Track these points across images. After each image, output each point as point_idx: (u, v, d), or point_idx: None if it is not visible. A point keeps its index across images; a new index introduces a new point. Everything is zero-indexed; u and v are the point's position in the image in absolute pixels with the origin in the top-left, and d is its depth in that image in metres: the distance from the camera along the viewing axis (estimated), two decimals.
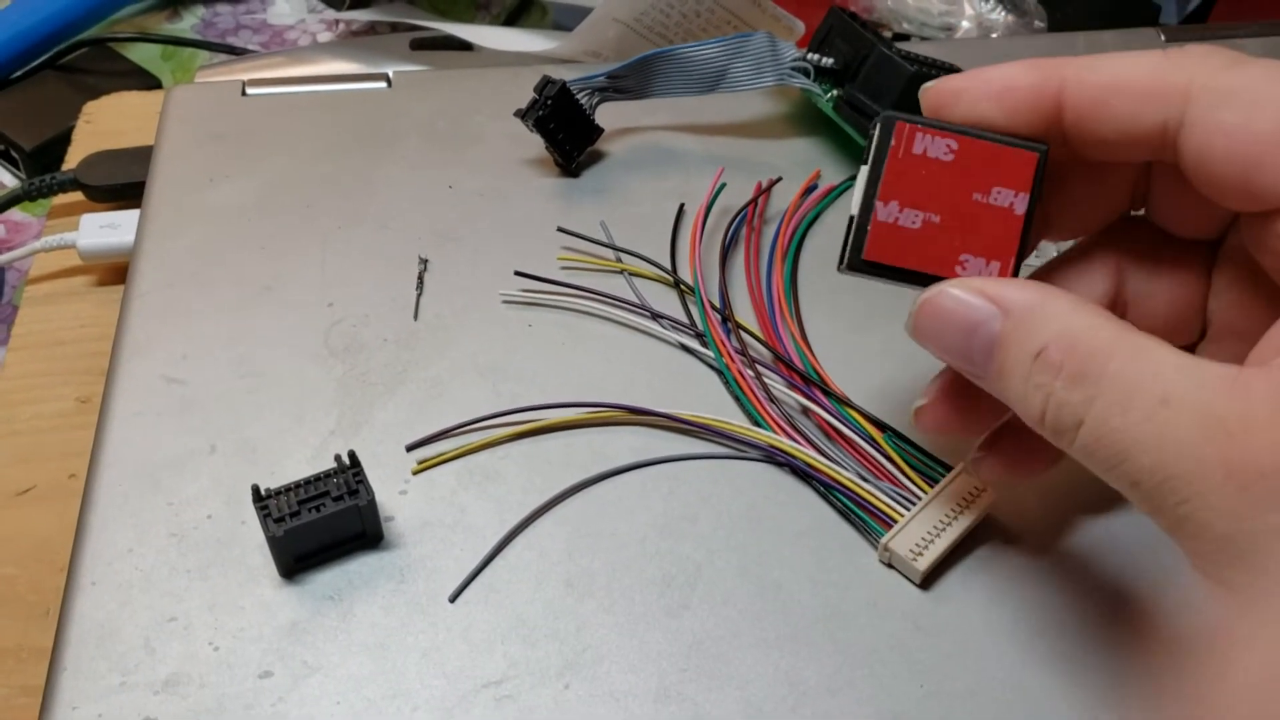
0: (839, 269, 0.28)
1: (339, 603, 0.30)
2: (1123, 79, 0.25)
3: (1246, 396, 0.22)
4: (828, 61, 0.40)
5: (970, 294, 0.25)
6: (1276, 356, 0.22)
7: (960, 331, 0.25)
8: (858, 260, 0.27)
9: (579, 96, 0.39)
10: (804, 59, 0.40)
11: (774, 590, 0.30)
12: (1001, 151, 0.26)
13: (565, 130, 0.39)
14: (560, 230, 0.38)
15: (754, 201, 0.39)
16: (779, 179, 0.40)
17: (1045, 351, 0.23)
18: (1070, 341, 0.23)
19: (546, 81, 0.39)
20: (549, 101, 0.39)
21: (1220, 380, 0.22)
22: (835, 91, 0.40)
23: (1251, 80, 0.24)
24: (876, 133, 0.27)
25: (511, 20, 0.60)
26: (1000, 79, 0.26)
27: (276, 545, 0.30)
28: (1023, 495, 0.32)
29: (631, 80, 0.40)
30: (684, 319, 0.36)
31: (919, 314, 0.26)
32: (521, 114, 0.39)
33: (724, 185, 0.39)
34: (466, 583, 0.30)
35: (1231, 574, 0.21)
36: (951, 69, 0.39)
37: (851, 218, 0.28)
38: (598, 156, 0.41)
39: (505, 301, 0.37)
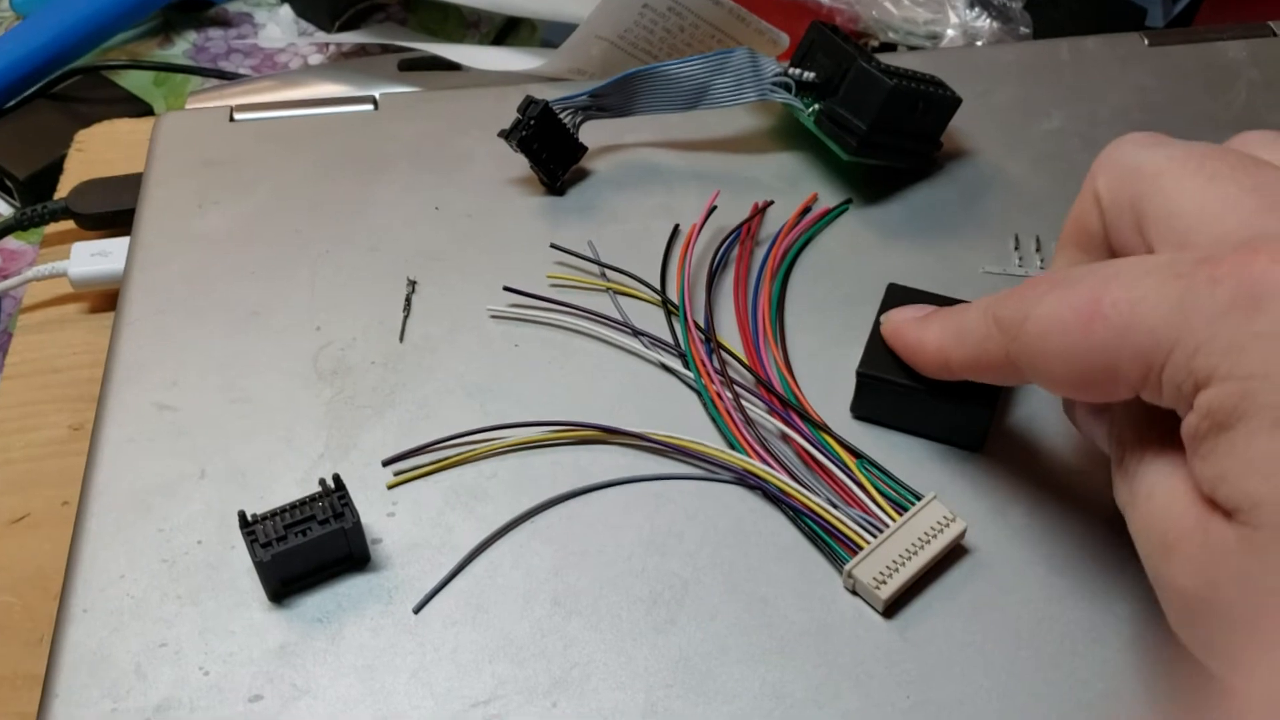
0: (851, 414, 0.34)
1: (328, 625, 0.30)
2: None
3: None
4: (809, 76, 0.40)
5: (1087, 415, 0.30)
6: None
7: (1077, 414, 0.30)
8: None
9: (562, 116, 0.40)
10: (785, 74, 0.40)
11: (760, 605, 0.30)
12: None
13: (549, 150, 0.40)
14: (553, 247, 0.38)
15: (747, 223, 0.39)
16: (772, 202, 0.40)
17: (1124, 460, 0.27)
18: (1135, 453, 0.27)
19: (529, 102, 0.39)
20: (532, 122, 0.39)
21: None
22: (817, 106, 0.40)
23: None
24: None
25: (502, 38, 0.60)
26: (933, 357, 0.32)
27: (264, 570, 0.30)
28: (993, 525, 0.32)
29: (614, 98, 0.40)
30: (669, 338, 0.36)
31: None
32: (505, 134, 0.40)
33: (715, 208, 0.39)
34: (433, 594, 0.31)
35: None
36: (932, 80, 0.39)
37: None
38: (583, 175, 0.42)
39: (493, 318, 0.37)
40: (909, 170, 0.41)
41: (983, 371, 0.30)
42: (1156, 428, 0.26)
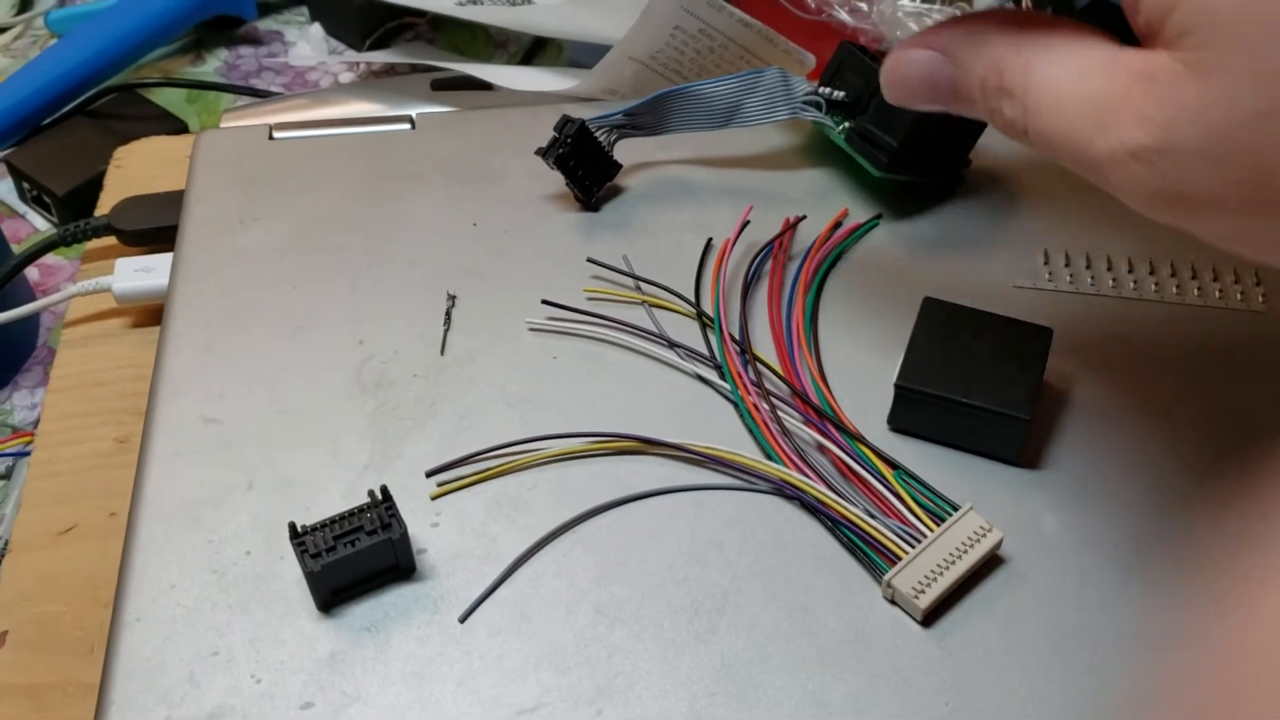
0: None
1: (376, 634, 0.31)
2: None
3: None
4: (839, 95, 0.41)
5: (919, 50, 0.29)
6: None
7: (926, 86, 0.29)
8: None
9: (597, 134, 0.40)
10: (815, 93, 0.41)
11: (800, 614, 0.31)
12: None
13: (585, 167, 0.41)
14: (590, 261, 0.39)
15: (779, 237, 0.40)
16: (804, 216, 0.41)
17: (984, 81, 0.27)
18: (998, 67, 0.27)
19: (566, 120, 0.40)
20: (569, 140, 0.40)
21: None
22: (847, 124, 0.41)
23: None
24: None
25: (529, 58, 0.61)
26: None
27: (314, 580, 0.31)
28: (1028, 536, 0.33)
29: (648, 117, 0.41)
30: (704, 351, 0.37)
31: (888, 84, 0.30)
32: (542, 152, 0.40)
33: (749, 223, 0.40)
34: (478, 603, 0.31)
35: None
36: None
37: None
38: (617, 191, 0.42)
39: (532, 330, 0.38)
40: (939, 186, 0.42)
41: None
42: (1032, 30, 0.27)
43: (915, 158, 0.40)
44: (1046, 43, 0.26)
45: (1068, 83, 0.26)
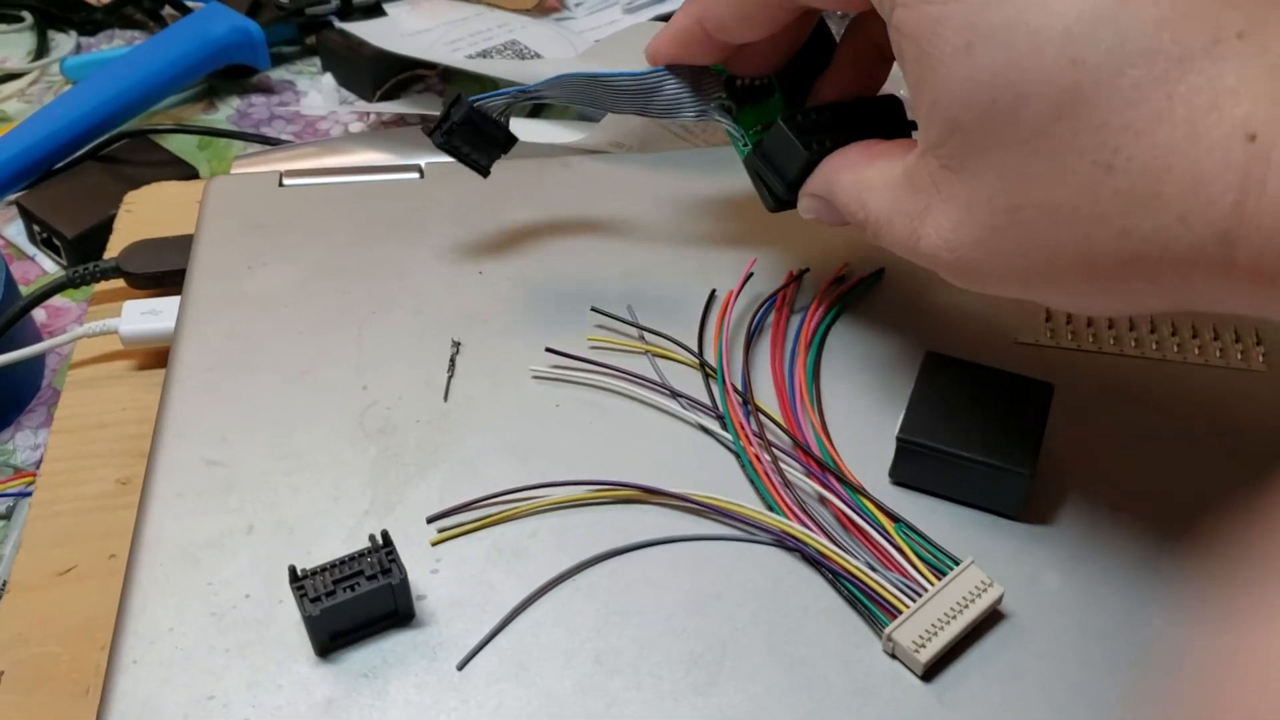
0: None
1: (373, 680, 0.31)
2: None
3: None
4: (748, 80, 0.39)
5: (807, 198, 0.37)
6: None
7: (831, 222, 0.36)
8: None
9: (489, 112, 0.39)
10: (726, 99, 0.38)
11: (800, 667, 0.31)
12: None
13: (473, 144, 0.40)
14: (594, 310, 0.39)
15: (782, 289, 0.40)
16: (807, 269, 0.41)
17: (853, 216, 0.34)
18: (853, 207, 0.34)
19: (455, 100, 0.39)
20: (455, 122, 0.39)
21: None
22: (750, 139, 0.39)
23: None
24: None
25: (538, 110, 0.62)
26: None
27: (313, 624, 0.30)
28: (1030, 591, 0.32)
29: (554, 92, 0.39)
30: (707, 401, 0.37)
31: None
32: (429, 130, 0.40)
33: (752, 274, 0.40)
34: (476, 651, 0.31)
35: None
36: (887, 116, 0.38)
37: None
38: (621, 240, 0.43)
39: (535, 378, 0.38)
40: None
41: None
42: (863, 161, 0.34)
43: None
44: (867, 171, 0.33)
45: (888, 204, 0.32)
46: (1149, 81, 0.25)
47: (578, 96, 0.39)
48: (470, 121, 0.39)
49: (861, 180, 0.33)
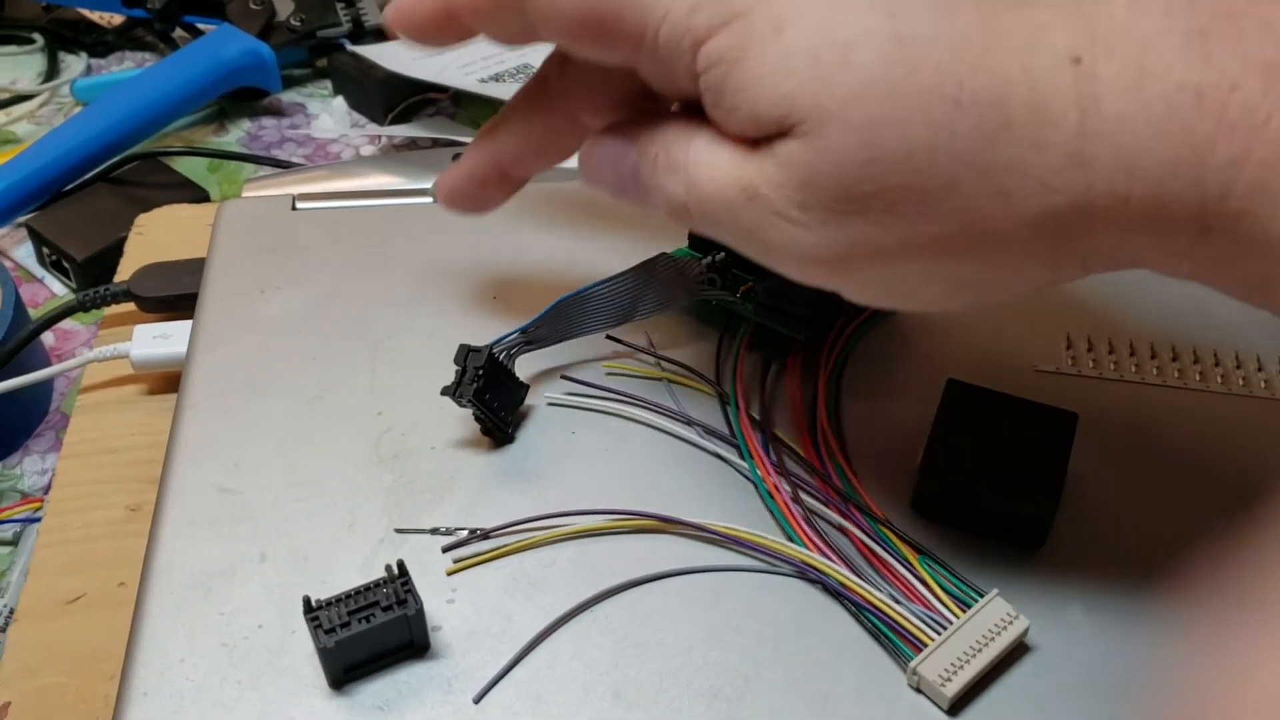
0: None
1: (388, 713, 0.30)
2: None
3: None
4: (719, 256, 0.38)
5: (607, 136, 0.32)
6: None
7: (611, 168, 0.32)
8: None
9: (500, 358, 0.36)
10: (707, 271, 0.38)
11: (822, 702, 0.30)
12: None
13: (499, 397, 0.36)
14: (609, 338, 0.39)
15: None
16: None
17: (656, 158, 0.30)
18: (667, 146, 0.30)
19: (468, 351, 0.36)
20: (480, 372, 0.35)
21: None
22: (751, 296, 0.38)
23: None
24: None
25: None
26: None
27: (327, 656, 0.30)
28: (1055, 623, 0.32)
29: (545, 329, 0.38)
30: (725, 430, 0.37)
31: (583, 168, 0.32)
32: (451, 391, 0.35)
33: None
34: (493, 683, 0.31)
35: None
36: None
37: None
38: None
39: (551, 405, 0.38)
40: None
41: (485, 14, 0.31)
42: (700, 117, 0.29)
43: (825, 311, 0.38)
44: (708, 125, 0.29)
45: (723, 155, 0.28)
46: (968, 21, 0.26)
47: (575, 321, 0.38)
48: (493, 370, 0.36)
49: (699, 132, 0.30)
